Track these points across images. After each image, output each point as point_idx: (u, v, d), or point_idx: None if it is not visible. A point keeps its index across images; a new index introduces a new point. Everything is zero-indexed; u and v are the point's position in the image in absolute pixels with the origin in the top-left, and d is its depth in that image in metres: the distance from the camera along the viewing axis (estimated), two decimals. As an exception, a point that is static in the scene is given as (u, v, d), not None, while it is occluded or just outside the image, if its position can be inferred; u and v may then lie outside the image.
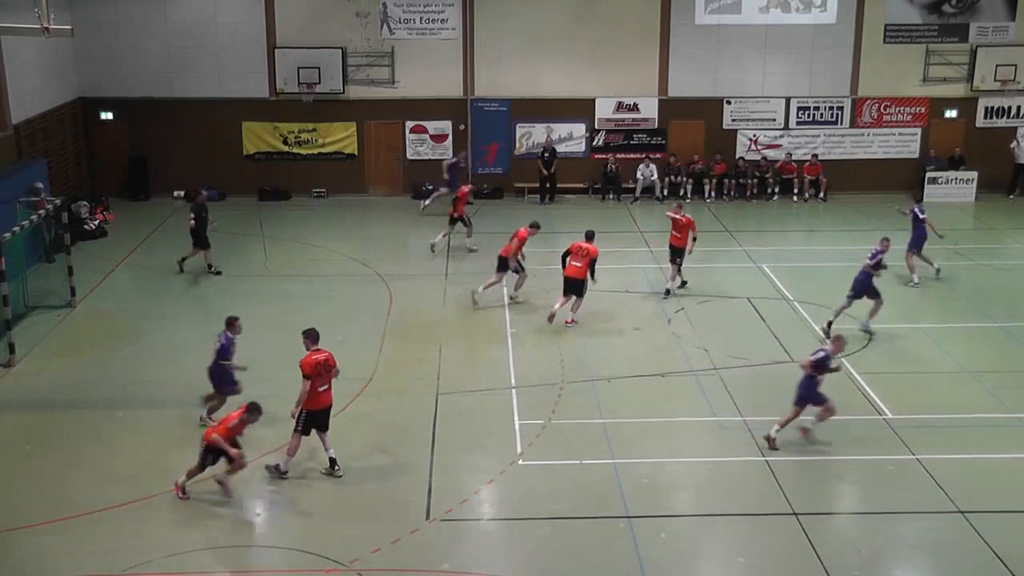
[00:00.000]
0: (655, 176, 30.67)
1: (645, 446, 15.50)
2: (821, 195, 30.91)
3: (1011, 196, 31.17)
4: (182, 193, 29.99)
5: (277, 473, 14.39)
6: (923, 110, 31.44)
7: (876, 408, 16.83)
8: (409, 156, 31.15)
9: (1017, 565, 12.48)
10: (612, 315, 21.03)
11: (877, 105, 31.30)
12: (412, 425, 16.07)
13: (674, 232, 22.01)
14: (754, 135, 31.29)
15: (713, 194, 30.73)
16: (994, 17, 31.04)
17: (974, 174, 30.60)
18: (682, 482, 14.74)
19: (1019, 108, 31.65)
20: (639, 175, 30.60)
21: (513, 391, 17.38)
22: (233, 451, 13.63)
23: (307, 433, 14.42)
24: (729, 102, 31.03)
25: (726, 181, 30.82)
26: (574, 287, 20.27)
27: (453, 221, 25.21)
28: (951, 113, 31.58)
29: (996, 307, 21.90)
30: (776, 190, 30.96)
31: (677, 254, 22.06)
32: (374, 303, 21.84)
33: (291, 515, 13.69)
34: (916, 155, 31.55)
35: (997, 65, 30.96)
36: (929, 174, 30.83)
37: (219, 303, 21.35)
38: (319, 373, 14.22)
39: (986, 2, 30.88)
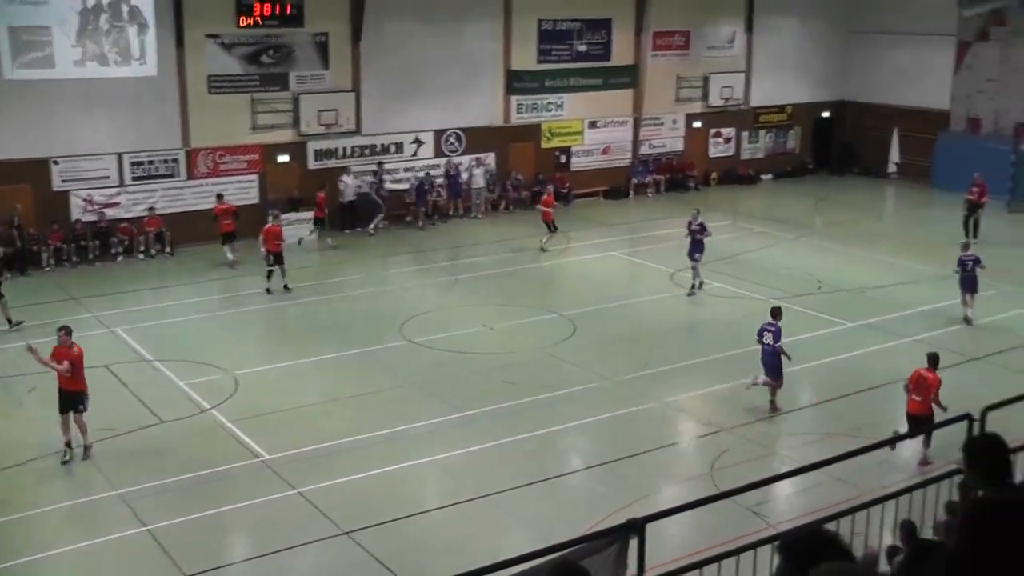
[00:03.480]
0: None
1: (6, 548, 13.92)
2: (168, 249, 30.18)
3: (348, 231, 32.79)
4: None
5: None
6: (257, 157, 32.09)
7: (252, 452, 16.67)
8: None
9: (396, 564, 13.30)
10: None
11: (212, 155, 31.34)
12: None
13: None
14: (88, 194, 29.73)
15: (52, 262, 28.66)
16: (310, 66, 32.57)
17: (310, 214, 31.76)
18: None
19: (344, 149, 33.56)
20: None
21: None
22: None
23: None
24: (57, 162, 29.15)
25: (65, 247, 28.88)
26: None
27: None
28: (284, 158, 32.59)
29: (355, 334, 22.76)
30: (121, 249, 29.66)
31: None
32: None
33: None
34: (257, 200, 31.87)
35: (319, 111, 32.55)
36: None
37: None
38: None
39: (301, 52, 32.30)
